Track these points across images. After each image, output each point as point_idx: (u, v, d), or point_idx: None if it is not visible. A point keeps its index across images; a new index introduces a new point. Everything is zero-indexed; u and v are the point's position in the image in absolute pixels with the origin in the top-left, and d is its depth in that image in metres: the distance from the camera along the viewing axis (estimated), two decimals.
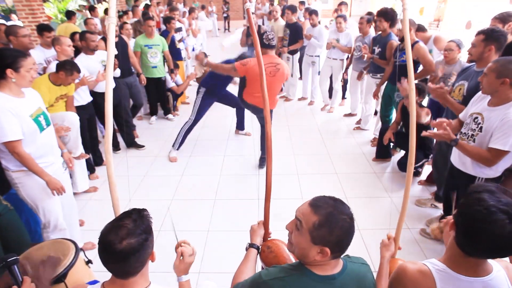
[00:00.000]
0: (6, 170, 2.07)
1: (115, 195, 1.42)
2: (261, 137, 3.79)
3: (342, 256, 1.08)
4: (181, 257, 1.28)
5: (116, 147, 4.22)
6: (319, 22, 5.31)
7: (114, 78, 4.01)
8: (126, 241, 1.00)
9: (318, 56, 5.28)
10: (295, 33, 5.30)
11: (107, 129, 1.37)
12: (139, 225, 1.04)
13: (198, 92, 3.94)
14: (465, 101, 2.26)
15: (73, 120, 2.88)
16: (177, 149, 3.96)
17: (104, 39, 4.08)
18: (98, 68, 3.59)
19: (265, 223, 1.55)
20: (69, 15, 6.19)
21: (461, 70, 2.55)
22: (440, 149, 2.81)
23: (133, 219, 1.05)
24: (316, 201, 1.02)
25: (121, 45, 4.20)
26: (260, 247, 1.49)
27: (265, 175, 1.55)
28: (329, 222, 0.97)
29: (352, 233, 1.00)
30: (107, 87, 1.36)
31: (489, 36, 2.17)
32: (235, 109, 4.44)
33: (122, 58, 4.18)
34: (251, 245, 1.46)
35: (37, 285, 1.23)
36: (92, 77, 3.28)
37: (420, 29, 3.73)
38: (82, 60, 3.43)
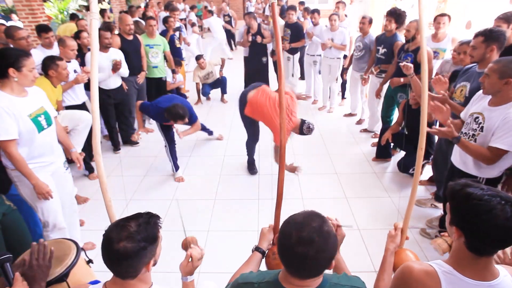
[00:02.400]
0: (6, 168, 2.08)
1: (107, 195, 1.42)
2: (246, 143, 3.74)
3: (330, 276, 1.05)
4: (190, 260, 1.27)
5: (116, 147, 4.22)
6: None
7: (123, 77, 4.05)
8: (123, 243, 0.99)
9: (320, 55, 5.28)
10: (296, 33, 5.32)
11: (94, 129, 1.37)
12: (141, 231, 1.02)
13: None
14: (468, 102, 2.25)
15: (87, 118, 2.99)
16: (177, 170, 3.64)
17: (119, 34, 4.15)
18: (108, 66, 3.68)
19: (275, 228, 1.56)
20: (73, 16, 6.29)
21: (462, 71, 2.54)
22: (440, 149, 2.81)
23: (138, 223, 1.03)
24: (303, 212, 1.02)
25: (135, 44, 4.25)
26: (266, 251, 1.48)
27: (277, 180, 1.57)
28: (279, 234, 0.99)
29: (301, 257, 0.92)
30: (93, 84, 1.36)
31: (489, 37, 2.15)
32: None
33: (135, 56, 4.23)
34: (257, 248, 1.45)
35: (34, 275, 1.23)
36: (86, 76, 3.26)
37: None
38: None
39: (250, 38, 5.56)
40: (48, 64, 2.76)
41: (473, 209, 0.92)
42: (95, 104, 1.35)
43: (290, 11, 5.32)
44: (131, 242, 0.99)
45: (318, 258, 0.93)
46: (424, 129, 1.49)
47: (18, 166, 1.98)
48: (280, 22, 5.56)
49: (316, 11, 5.25)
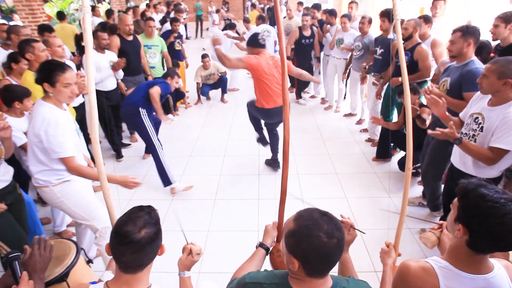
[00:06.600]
0: (46, 187, 1.95)
1: (105, 183, 1.43)
2: (270, 140, 3.70)
3: (339, 279, 1.04)
4: (189, 254, 1.32)
5: (119, 153, 4.14)
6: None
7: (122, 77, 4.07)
8: (145, 230, 1.04)
9: (328, 55, 5.27)
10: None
11: (92, 119, 1.38)
12: (152, 216, 1.10)
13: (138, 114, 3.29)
14: (450, 94, 2.44)
15: None
16: (168, 185, 3.30)
17: (119, 34, 4.13)
18: (107, 67, 3.70)
19: (279, 225, 1.56)
20: (62, 16, 6.18)
21: (444, 69, 2.68)
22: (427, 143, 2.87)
23: (146, 211, 1.10)
24: (303, 211, 0.99)
25: (135, 44, 4.25)
26: (270, 248, 1.48)
27: (281, 177, 1.58)
28: (299, 233, 0.93)
29: (327, 253, 0.91)
30: (88, 80, 1.36)
31: (466, 32, 2.34)
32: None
33: (134, 56, 4.23)
34: (261, 245, 1.45)
35: (35, 264, 1.24)
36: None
37: (427, 20, 3.71)
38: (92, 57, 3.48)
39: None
40: (24, 47, 2.57)
41: (487, 211, 0.90)
42: (92, 95, 1.35)
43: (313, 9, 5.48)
44: (150, 227, 1.06)
45: (342, 243, 0.93)
46: (410, 149, 1.51)
47: (90, 175, 1.91)
48: (296, 20, 5.58)
49: (331, 12, 5.20)
